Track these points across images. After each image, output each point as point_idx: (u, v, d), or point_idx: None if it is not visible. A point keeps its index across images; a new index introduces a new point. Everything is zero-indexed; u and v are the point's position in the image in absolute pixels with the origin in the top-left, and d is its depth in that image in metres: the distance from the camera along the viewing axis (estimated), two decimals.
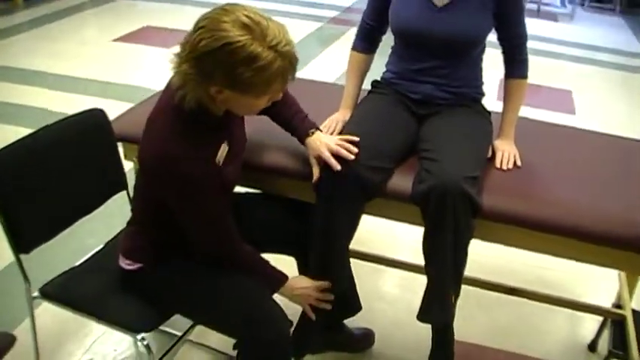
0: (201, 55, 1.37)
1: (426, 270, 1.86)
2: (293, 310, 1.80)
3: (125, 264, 1.73)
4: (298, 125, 1.83)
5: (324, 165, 1.76)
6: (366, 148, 1.80)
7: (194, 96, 1.44)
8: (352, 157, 1.74)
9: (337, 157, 1.74)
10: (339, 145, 1.75)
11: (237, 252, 1.67)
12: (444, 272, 1.81)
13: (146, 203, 1.68)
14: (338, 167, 1.72)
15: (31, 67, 4.80)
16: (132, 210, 1.73)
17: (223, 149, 1.58)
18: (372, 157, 1.80)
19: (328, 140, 1.77)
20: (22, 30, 5.68)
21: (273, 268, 1.76)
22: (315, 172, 1.79)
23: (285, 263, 1.87)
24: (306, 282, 1.83)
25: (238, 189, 2.05)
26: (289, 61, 1.41)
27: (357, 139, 1.79)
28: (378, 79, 2.19)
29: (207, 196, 1.53)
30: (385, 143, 1.88)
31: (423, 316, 1.91)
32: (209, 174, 1.51)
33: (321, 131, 1.84)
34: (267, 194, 2.01)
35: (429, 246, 1.81)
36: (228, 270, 1.68)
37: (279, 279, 1.76)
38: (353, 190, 1.78)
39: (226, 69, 1.37)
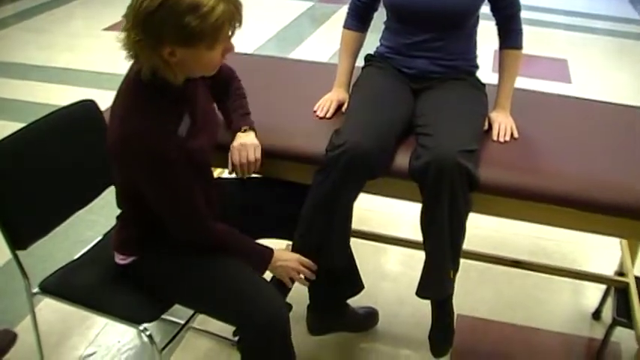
0: (145, 17, 1.37)
1: (424, 245, 1.85)
2: (294, 292, 1.80)
3: (119, 259, 1.73)
4: (234, 119, 1.86)
5: (336, 144, 1.74)
6: (376, 129, 1.79)
7: (149, 65, 1.44)
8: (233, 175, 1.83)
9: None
10: (247, 162, 1.81)
11: (210, 232, 1.64)
12: (441, 247, 1.80)
13: (125, 194, 1.67)
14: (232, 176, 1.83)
15: (22, 61, 4.75)
16: (117, 205, 1.72)
17: (185, 121, 1.56)
18: (382, 138, 1.79)
19: (248, 145, 1.81)
20: (9, 23, 5.62)
21: (257, 245, 1.73)
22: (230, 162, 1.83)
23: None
24: (288, 254, 1.80)
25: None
26: (233, 4, 1.43)
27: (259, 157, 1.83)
28: (371, 52, 2.17)
29: (172, 169, 1.50)
30: (391, 122, 1.87)
31: (421, 291, 1.90)
32: (170, 146, 1.49)
33: (255, 132, 1.86)
34: (259, 178, 1.99)
35: (427, 221, 1.80)
36: (216, 257, 1.66)
37: (265, 255, 1.73)
38: (364, 170, 1.77)
39: (173, 23, 1.37)
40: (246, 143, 1.81)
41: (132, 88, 1.52)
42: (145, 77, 1.47)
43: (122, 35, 1.43)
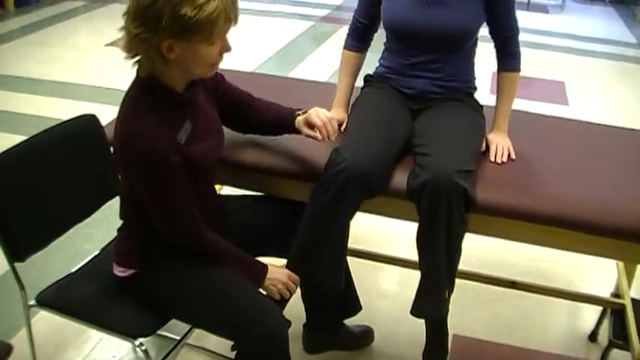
0: (144, 8, 1.41)
1: (420, 265, 1.85)
2: (289, 310, 1.80)
3: (118, 271, 1.73)
4: (286, 113, 1.85)
5: (334, 162, 1.75)
6: (375, 148, 1.80)
7: (147, 62, 1.48)
8: (320, 137, 1.77)
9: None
10: (327, 119, 1.77)
11: (203, 238, 1.64)
12: (437, 267, 1.80)
13: (128, 204, 1.68)
14: (319, 137, 1.77)
15: (25, 74, 4.78)
16: (120, 216, 1.73)
17: (186, 128, 1.58)
18: (380, 158, 1.81)
19: (317, 108, 1.80)
20: (14, 37, 5.66)
21: (253, 259, 1.73)
22: (317, 135, 1.78)
23: None
24: (278, 269, 1.77)
25: (232, 191, 2.04)
26: None
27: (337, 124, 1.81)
28: (371, 72, 2.19)
29: (168, 170, 1.51)
30: (389, 142, 1.88)
31: (416, 310, 1.90)
32: (168, 148, 1.50)
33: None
34: (258, 196, 2.00)
35: (423, 240, 1.80)
36: (216, 271, 1.66)
37: (261, 269, 1.72)
38: (362, 188, 1.78)
39: (170, 13, 1.40)
40: (315, 109, 1.81)
41: (134, 93, 1.55)
42: (143, 74, 1.50)
43: (123, 37, 1.48)
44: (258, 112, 1.87)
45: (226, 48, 1.54)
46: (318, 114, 1.77)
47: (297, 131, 1.84)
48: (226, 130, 1.79)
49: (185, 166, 1.55)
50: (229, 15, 1.47)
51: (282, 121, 1.86)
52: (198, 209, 1.62)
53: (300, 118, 1.82)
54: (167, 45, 1.45)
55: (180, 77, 1.56)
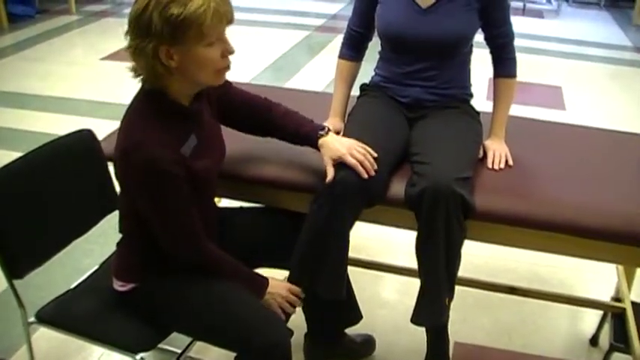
0: (136, 19, 1.44)
1: (419, 273, 1.85)
2: (290, 321, 1.80)
3: (118, 285, 1.72)
4: (309, 130, 1.81)
5: (339, 169, 1.74)
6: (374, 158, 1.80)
7: (152, 73, 1.49)
8: (366, 175, 1.72)
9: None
10: (363, 155, 1.73)
11: (204, 250, 1.64)
12: (436, 274, 1.80)
13: (128, 218, 1.68)
14: (365, 176, 1.71)
15: (20, 90, 4.79)
16: (119, 230, 1.73)
17: (191, 141, 1.58)
18: (379, 167, 1.79)
19: (349, 144, 1.76)
20: (8, 53, 5.67)
21: (252, 272, 1.73)
22: (330, 171, 1.75)
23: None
24: (278, 283, 1.78)
25: (232, 203, 2.04)
26: None
27: (375, 154, 1.77)
28: (367, 82, 2.20)
29: (169, 182, 1.51)
30: (386, 151, 1.88)
31: (416, 318, 1.89)
32: (170, 160, 1.50)
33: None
34: (257, 208, 2.00)
35: (422, 248, 1.80)
36: (217, 283, 1.66)
37: (261, 282, 1.72)
38: (360, 198, 1.77)
39: (159, 16, 1.42)
40: (346, 141, 1.77)
41: (138, 105, 1.55)
42: (148, 85, 1.51)
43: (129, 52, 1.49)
44: (275, 120, 1.84)
45: (228, 50, 1.54)
46: (352, 154, 1.72)
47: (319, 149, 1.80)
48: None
49: (187, 179, 1.55)
50: (219, 11, 1.47)
51: (303, 139, 1.82)
52: (198, 222, 1.62)
53: (325, 150, 1.77)
54: (165, 52, 1.45)
55: (187, 88, 1.56)
